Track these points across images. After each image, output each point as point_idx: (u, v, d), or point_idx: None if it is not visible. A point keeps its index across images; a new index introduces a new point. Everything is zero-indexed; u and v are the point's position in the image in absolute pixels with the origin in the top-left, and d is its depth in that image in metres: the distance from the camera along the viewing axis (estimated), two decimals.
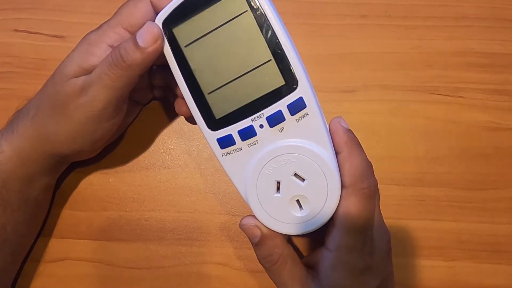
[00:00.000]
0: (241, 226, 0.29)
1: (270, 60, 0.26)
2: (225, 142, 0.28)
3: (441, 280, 0.36)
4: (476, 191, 0.37)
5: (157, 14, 0.28)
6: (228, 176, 0.29)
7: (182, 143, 0.38)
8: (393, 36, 0.39)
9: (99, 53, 0.29)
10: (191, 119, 0.30)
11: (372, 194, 0.27)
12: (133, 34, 0.30)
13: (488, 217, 0.36)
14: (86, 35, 0.31)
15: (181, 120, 0.38)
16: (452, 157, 0.37)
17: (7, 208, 0.31)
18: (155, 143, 0.38)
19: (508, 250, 0.36)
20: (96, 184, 0.37)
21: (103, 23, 0.31)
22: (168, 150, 0.38)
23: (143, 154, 0.38)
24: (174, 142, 0.38)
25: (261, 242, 0.29)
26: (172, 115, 0.39)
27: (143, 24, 0.29)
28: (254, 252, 0.30)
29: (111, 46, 0.30)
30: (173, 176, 0.38)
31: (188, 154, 0.38)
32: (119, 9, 0.30)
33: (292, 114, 0.27)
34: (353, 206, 0.27)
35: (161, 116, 0.38)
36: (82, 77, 0.29)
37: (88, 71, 0.29)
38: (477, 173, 0.37)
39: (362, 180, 0.27)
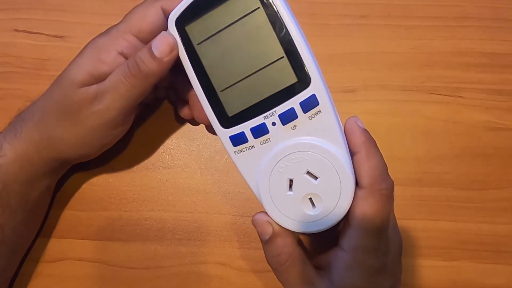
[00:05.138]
0: (253, 222, 0.29)
1: (283, 57, 0.26)
2: (237, 139, 0.27)
3: (442, 280, 0.36)
4: (476, 191, 0.37)
5: (167, 17, 0.27)
6: (240, 173, 0.28)
7: (182, 143, 0.38)
8: (393, 36, 0.39)
9: (109, 60, 0.29)
10: (193, 121, 0.30)
11: (390, 195, 0.27)
12: (143, 40, 0.30)
13: (488, 217, 0.36)
14: (93, 39, 0.30)
15: (181, 120, 0.38)
16: (452, 157, 0.37)
17: (6, 209, 0.31)
18: (155, 143, 0.38)
19: (508, 250, 0.36)
20: (96, 184, 0.37)
21: (111, 27, 0.30)
22: (168, 150, 0.38)
23: (143, 154, 0.38)
24: (174, 142, 0.38)
25: (271, 239, 0.28)
26: (172, 116, 0.38)
27: (154, 30, 0.29)
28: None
29: (121, 54, 0.29)
30: (173, 176, 0.37)
31: (188, 154, 0.38)
32: (128, 14, 0.30)
33: (304, 112, 0.26)
34: (371, 207, 0.26)
35: (161, 116, 0.38)
36: (94, 86, 0.29)
37: (98, 79, 0.29)
38: (477, 173, 0.37)
39: (380, 181, 0.26)
